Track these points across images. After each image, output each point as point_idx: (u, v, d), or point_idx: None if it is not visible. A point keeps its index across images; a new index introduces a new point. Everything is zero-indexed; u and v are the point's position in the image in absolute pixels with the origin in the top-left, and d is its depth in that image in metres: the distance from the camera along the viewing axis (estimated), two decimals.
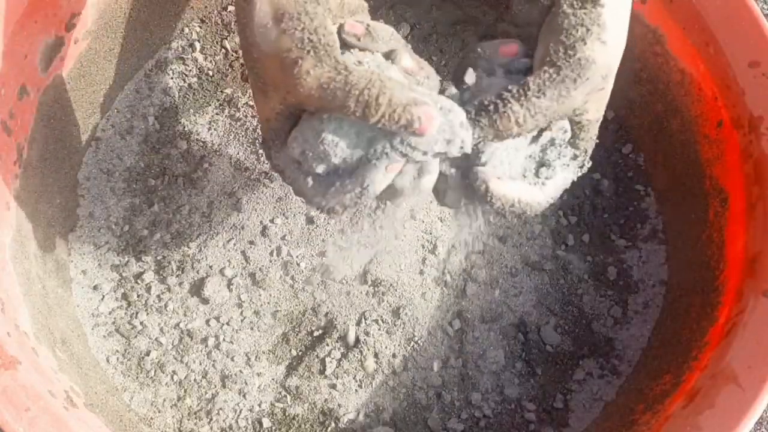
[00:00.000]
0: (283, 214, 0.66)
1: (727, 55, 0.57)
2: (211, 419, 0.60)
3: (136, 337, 0.63)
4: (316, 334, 0.63)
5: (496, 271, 0.65)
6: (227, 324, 0.63)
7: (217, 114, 0.70)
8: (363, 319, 0.63)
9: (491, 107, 0.41)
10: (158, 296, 0.64)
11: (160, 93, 0.71)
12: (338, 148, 0.41)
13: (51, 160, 0.62)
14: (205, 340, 0.63)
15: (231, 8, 0.72)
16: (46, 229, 0.61)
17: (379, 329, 0.63)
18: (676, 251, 0.66)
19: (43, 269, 0.59)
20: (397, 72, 0.43)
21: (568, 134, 0.45)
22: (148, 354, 0.62)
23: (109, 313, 0.63)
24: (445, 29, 0.73)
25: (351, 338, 0.62)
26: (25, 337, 0.51)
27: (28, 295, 0.55)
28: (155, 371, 0.62)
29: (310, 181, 0.43)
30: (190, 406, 0.61)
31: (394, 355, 0.62)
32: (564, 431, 0.62)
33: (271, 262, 0.64)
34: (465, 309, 0.64)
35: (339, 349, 0.62)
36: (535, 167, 0.45)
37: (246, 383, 0.62)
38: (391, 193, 0.44)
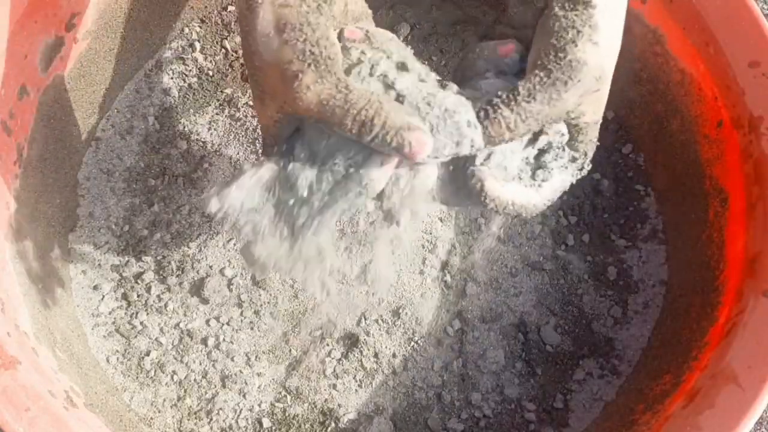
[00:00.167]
0: None
1: (727, 55, 0.57)
2: (211, 419, 0.60)
3: (136, 337, 0.63)
4: (316, 334, 0.63)
5: (496, 271, 0.65)
6: (227, 324, 0.63)
7: (217, 114, 0.70)
8: (363, 319, 0.63)
9: (482, 113, 0.41)
10: (158, 296, 0.64)
11: (160, 93, 0.71)
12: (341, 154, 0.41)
13: (51, 160, 0.62)
14: (205, 340, 0.63)
15: (231, 8, 0.72)
16: (46, 229, 0.61)
17: (379, 329, 0.63)
18: (676, 251, 0.66)
19: (43, 269, 0.59)
20: (393, 69, 0.43)
21: (566, 137, 0.44)
22: (148, 354, 0.62)
23: (109, 313, 0.63)
24: (445, 29, 0.73)
25: (351, 338, 0.62)
26: (25, 337, 0.51)
27: (28, 295, 0.55)
28: (155, 371, 0.62)
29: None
30: (190, 406, 0.61)
31: (394, 355, 0.62)
32: (564, 431, 0.62)
33: None
34: (465, 309, 0.64)
35: (339, 349, 0.62)
36: (531, 169, 0.45)
37: (246, 383, 0.62)
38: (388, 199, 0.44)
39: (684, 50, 0.61)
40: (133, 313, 0.63)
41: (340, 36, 0.44)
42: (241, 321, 0.63)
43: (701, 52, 0.60)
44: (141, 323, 0.63)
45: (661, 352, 0.61)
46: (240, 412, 0.61)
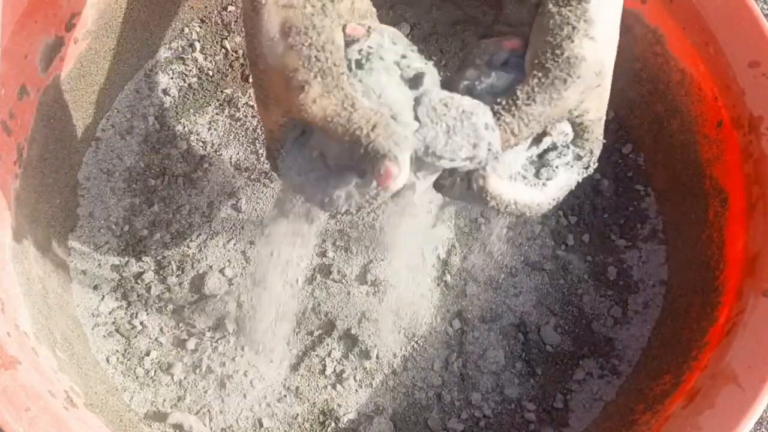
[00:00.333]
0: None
1: (727, 55, 0.57)
2: (211, 419, 0.60)
3: (136, 337, 0.63)
4: (316, 334, 0.63)
5: (496, 271, 0.65)
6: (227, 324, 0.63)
7: (217, 114, 0.70)
8: (363, 319, 0.63)
9: None
10: (158, 296, 0.64)
11: (160, 93, 0.71)
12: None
13: (51, 160, 0.62)
14: (205, 340, 0.63)
15: (231, 8, 0.72)
16: (46, 229, 0.61)
17: (379, 329, 0.63)
18: (676, 251, 0.66)
19: (43, 269, 0.59)
20: (395, 55, 0.43)
21: (570, 136, 0.44)
22: (148, 354, 0.62)
23: (109, 313, 0.63)
24: (445, 29, 0.73)
25: (351, 338, 0.62)
26: (25, 337, 0.51)
27: (28, 295, 0.54)
28: (155, 371, 0.62)
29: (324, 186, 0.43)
30: (190, 406, 0.61)
31: (394, 355, 0.62)
32: (564, 431, 0.62)
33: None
34: (465, 309, 0.64)
35: (339, 349, 0.62)
36: (535, 168, 0.45)
37: (246, 383, 0.61)
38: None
39: (684, 50, 0.61)
40: (133, 313, 0.63)
41: (343, 31, 0.43)
42: (241, 321, 0.63)
43: (701, 52, 0.60)
44: (141, 323, 0.63)
45: (661, 352, 0.61)
46: (240, 412, 0.61)
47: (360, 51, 0.42)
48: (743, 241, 0.57)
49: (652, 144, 0.68)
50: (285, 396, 0.62)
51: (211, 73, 0.71)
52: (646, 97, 0.67)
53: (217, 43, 0.72)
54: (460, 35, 0.73)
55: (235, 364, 0.62)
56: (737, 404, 0.48)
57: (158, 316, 0.63)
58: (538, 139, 0.44)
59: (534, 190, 0.44)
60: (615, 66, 0.44)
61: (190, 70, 0.71)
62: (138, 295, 0.64)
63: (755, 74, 0.56)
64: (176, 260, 0.65)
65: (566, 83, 0.41)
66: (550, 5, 0.41)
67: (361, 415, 0.61)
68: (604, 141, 0.46)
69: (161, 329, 0.63)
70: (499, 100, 0.41)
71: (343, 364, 0.62)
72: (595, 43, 0.41)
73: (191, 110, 0.70)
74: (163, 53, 0.71)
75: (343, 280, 0.64)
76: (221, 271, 0.64)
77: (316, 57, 0.39)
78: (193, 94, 0.71)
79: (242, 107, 0.70)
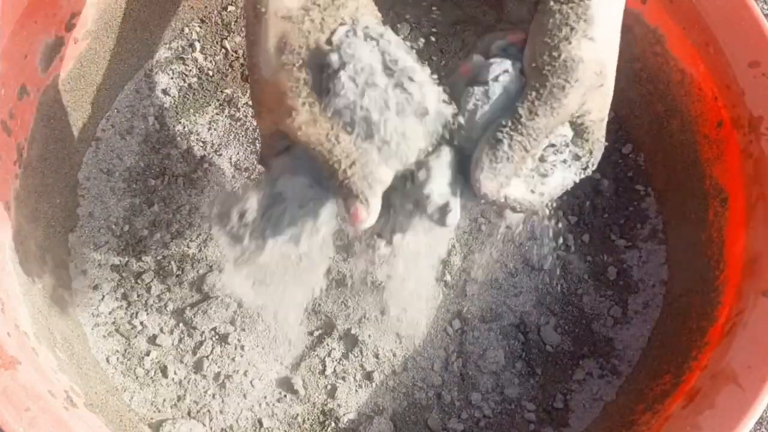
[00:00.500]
0: None
1: (727, 55, 0.57)
2: (211, 419, 0.60)
3: (136, 337, 0.63)
4: (316, 334, 0.63)
5: (496, 271, 0.65)
6: (227, 324, 0.63)
7: (217, 114, 0.70)
8: (363, 319, 0.63)
9: (492, 144, 0.41)
10: (158, 296, 0.64)
11: (160, 93, 0.71)
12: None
13: (51, 160, 0.62)
14: (204, 340, 0.63)
15: (231, 8, 0.72)
16: (46, 229, 0.61)
17: (380, 329, 0.63)
18: (676, 251, 0.66)
19: (43, 269, 0.59)
20: (375, 55, 0.42)
21: (569, 136, 0.44)
22: (148, 354, 0.62)
23: (109, 313, 0.63)
24: (445, 29, 0.73)
25: (351, 338, 0.62)
26: (25, 337, 0.51)
27: (28, 295, 0.55)
28: (155, 371, 0.62)
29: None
30: (190, 406, 0.61)
31: (394, 355, 0.62)
32: (564, 431, 0.62)
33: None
34: (465, 309, 0.64)
35: (339, 349, 0.62)
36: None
37: (246, 383, 0.61)
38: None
39: (684, 50, 0.61)
40: (133, 313, 0.63)
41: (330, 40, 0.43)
42: (241, 321, 0.63)
43: (701, 52, 0.60)
44: (141, 323, 0.63)
45: (661, 352, 0.61)
46: (240, 412, 0.61)
47: (338, 59, 0.42)
48: (743, 241, 0.57)
49: (652, 144, 0.68)
50: (285, 396, 0.62)
51: (211, 73, 0.71)
52: (646, 97, 0.67)
53: (217, 43, 0.72)
54: (460, 35, 0.73)
55: (235, 364, 0.62)
56: (737, 404, 0.48)
57: (158, 316, 0.63)
58: None
59: (527, 186, 0.44)
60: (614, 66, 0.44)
61: (190, 70, 0.71)
62: (138, 295, 0.64)
63: (755, 74, 0.56)
64: (176, 260, 0.65)
65: (564, 90, 0.40)
66: (551, 2, 0.41)
67: (361, 415, 0.61)
68: (606, 143, 0.45)
69: (161, 329, 0.63)
70: (503, 122, 0.41)
71: (343, 364, 0.62)
72: (595, 44, 0.40)
73: (191, 110, 0.70)
74: (163, 53, 0.71)
75: (343, 281, 0.64)
76: (221, 271, 0.64)
77: (304, 80, 0.40)
78: (193, 94, 0.71)
79: (242, 107, 0.70)
